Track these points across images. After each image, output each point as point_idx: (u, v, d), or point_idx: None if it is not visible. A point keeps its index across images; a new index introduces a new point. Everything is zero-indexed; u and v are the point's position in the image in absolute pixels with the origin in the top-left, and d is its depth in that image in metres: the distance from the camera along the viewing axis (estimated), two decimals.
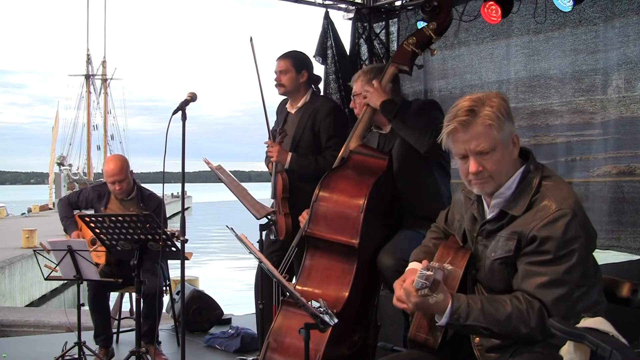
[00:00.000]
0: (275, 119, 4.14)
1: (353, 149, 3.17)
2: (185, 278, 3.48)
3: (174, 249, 3.62)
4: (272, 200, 3.88)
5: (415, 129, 3.01)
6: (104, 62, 57.41)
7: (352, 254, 2.90)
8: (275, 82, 3.93)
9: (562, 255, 1.89)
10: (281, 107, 4.10)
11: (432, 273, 1.81)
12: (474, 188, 2.04)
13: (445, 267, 1.96)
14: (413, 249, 2.39)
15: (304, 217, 3.27)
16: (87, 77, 55.89)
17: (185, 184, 3.34)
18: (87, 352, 4.02)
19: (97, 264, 4.15)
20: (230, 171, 3.86)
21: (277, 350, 2.89)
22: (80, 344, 3.97)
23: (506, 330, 1.90)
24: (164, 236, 3.54)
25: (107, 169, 4.42)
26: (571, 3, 4.38)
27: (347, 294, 2.87)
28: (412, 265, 2.21)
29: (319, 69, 5.84)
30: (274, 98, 4.13)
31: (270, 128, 3.96)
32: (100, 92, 56.92)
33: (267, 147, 3.87)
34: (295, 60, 3.90)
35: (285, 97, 4.03)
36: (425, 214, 2.93)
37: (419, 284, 1.82)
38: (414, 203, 3.15)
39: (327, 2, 5.99)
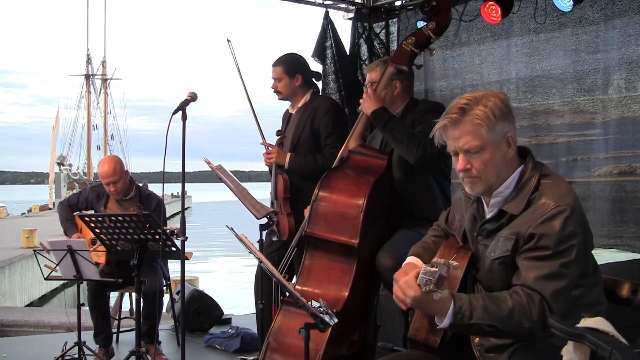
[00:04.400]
0: (281, 125, 4.12)
1: (352, 149, 3.17)
2: (185, 278, 3.47)
3: (173, 248, 3.62)
4: (272, 201, 3.88)
5: (403, 141, 2.99)
6: (104, 62, 57.39)
7: (351, 253, 2.90)
8: (272, 90, 3.92)
9: (561, 251, 1.89)
10: (285, 114, 4.11)
11: (436, 269, 1.79)
12: (466, 187, 2.07)
13: (451, 264, 1.94)
14: None
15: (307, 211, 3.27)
16: (87, 77, 55.82)
17: (185, 184, 3.34)
18: (87, 352, 4.02)
19: (97, 264, 4.15)
20: (231, 171, 3.84)
21: (277, 350, 2.89)
22: (80, 344, 3.97)
23: (509, 325, 1.89)
24: (163, 236, 3.53)
25: (101, 170, 4.41)
26: (571, 3, 4.37)
27: (346, 293, 2.87)
28: (410, 259, 2.21)
29: (317, 68, 5.83)
30: (272, 99, 4.12)
31: (262, 129, 3.93)
32: (100, 92, 56.86)
33: (265, 149, 3.86)
34: (287, 66, 3.86)
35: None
36: (424, 216, 2.93)
37: (423, 280, 1.80)
38: (412, 205, 3.15)
39: (327, 2, 5.98)
